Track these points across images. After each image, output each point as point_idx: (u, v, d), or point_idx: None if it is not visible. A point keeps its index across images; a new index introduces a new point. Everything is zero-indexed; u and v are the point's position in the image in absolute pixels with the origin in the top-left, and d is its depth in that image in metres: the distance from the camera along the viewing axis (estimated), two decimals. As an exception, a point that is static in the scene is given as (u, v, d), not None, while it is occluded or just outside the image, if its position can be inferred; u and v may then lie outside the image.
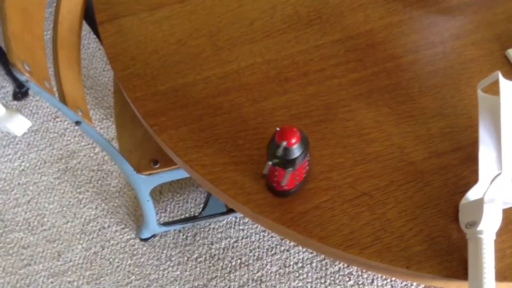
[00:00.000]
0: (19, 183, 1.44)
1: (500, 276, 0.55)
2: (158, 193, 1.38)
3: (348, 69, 0.72)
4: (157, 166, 0.94)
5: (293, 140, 0.52)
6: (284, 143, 0.52)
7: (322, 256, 1.26)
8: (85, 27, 1.68)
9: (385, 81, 0.70)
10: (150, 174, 0.95)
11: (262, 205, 0.60)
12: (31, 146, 1.51)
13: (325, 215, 0.59)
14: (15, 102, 1.62)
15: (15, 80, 1.61)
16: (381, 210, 0.59)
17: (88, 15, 0.95)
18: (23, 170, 1.47)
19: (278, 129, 0.53)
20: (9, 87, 1.64)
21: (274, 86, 0.71)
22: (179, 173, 0.96)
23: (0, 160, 1.49)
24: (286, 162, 0.53)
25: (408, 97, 0.68)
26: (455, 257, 0.55)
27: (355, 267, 1.24)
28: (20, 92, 1.62)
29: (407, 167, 0.62)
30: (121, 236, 1.32)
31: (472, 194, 0.58)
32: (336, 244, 0.57)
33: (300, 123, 0.67)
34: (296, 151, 0.53)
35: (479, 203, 0.54)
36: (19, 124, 1.58)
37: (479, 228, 0.52)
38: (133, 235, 1.32)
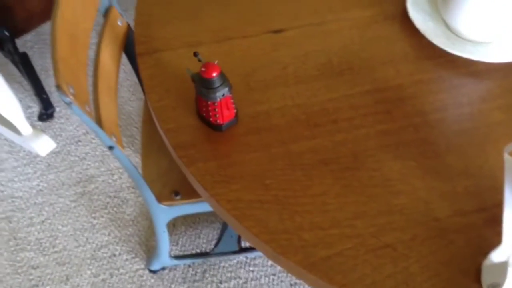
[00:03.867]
0: (35, 203, 1.46)
1: None
2: (171, 226, 1.38)
3: (377, 120, 0.73)
4: (178, 197, 0.95)
5: (214, 74, 0.65)
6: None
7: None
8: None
9: (412, 135, 0.71)
10: (170, 205, 0.96)
11: (284, 246, 0.60)
12: (51, 167, 1.54)
13: (348, 263, 0.59)
14: (40, 123, 1.65)
15: (42, 101, 1.65)
16: (404, 264, 0.59)
17: (127, 46, 0.99)
18: (40, 190, 1.49)
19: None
20: (36, 108, 1.69)
21: (303, 130, 0.72)
22: (199, 207, 0.97)
23: (19, 178, 1.52)
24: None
25: (435, 153, 0.69)
26: (476, 318, 0.55)
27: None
28: (46, 114, 1.66)
29: (431, 222, 0.62)
30: (130, 266, 1.32)
31: (495, 256, 0.58)
32: (357, 293, 0.56)
33: (327, 168, 0.68)
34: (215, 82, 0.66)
35: (504, 266, 0.54)
36: (44, 145, 1.61)
37: (502, 291, 0.52)
38: (142, 266, 1.31)
